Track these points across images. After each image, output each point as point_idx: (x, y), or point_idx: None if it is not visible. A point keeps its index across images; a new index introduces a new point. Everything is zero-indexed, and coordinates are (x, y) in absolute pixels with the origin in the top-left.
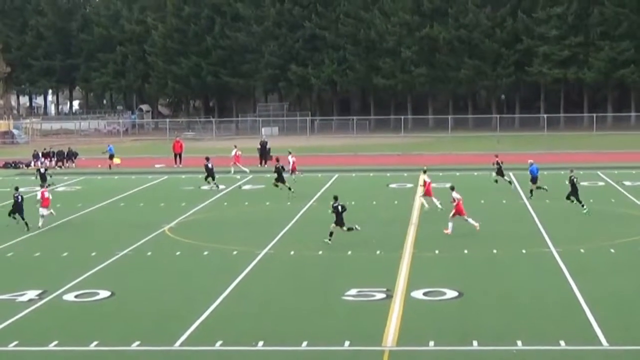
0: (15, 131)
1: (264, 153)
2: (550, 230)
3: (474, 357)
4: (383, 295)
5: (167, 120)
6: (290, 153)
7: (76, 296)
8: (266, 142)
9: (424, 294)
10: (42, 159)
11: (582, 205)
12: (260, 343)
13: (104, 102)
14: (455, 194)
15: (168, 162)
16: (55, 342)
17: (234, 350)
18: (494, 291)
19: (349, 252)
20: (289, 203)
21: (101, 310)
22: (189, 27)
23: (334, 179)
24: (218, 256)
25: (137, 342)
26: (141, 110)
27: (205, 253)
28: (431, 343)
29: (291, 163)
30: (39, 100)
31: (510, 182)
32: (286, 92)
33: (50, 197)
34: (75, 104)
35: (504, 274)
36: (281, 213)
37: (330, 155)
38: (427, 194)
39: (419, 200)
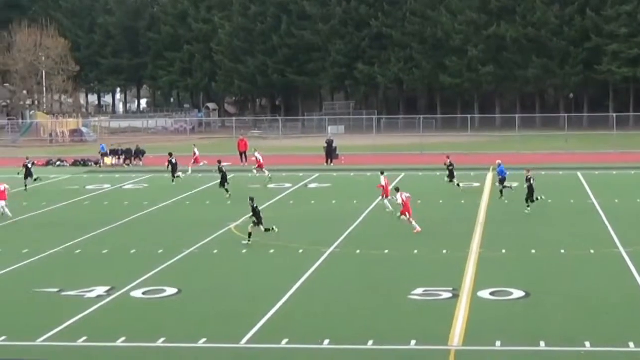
0: (84, 129)
1: (330, 152)
2: (619, 230)
3: (541, 358)
4: (449, 295)
5: (234, 118)
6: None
7: (144, 293)
8: (332, 141)
9: (491, 293)
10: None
11: (527, 206)
12: (326, 341)
13: (171, 100)
14: (398, 196)
15: (234, 161)
16: (123, 338)
17: (300, 349)
18: (561, 291)
19: (415, 251)
20: (355, 201)
21: (168, 307)
22: (256, 25)
23: (400, 177)
24: (284, 254)
25: (204, 340)
26: (208, 108)
27: (271, 251)
28: (498, 343)
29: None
30: (107, 98)
31: (459, 185)
32: (352, 90)
33: (8, 189)
34: (143, 102)
35: (572, 274)
36: (347, 212)
37: (396, 154)
38: (386, 194)
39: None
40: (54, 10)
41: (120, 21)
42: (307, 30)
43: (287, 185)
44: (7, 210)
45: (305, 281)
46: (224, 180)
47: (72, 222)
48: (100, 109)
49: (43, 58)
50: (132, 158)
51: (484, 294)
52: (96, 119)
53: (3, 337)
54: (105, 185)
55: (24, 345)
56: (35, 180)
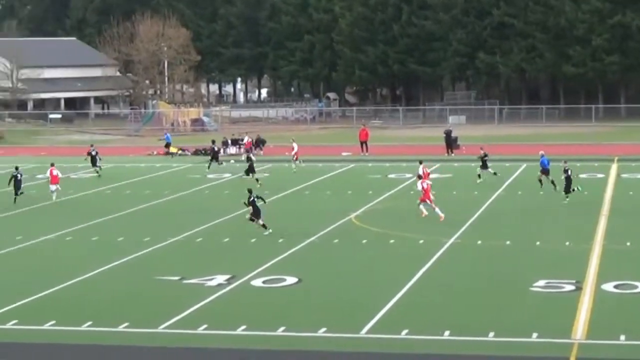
0: (205, 119)
1: (449, 142)
2: None
3: None
4: (572, 287)
5: (354, 108)
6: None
7: (264, 282)
8: (450, 131)
9: (615, 286)
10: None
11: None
12: (446, 332)
13: (292, 90)
14: (419, 183)
15: (355, 150)
16: (243, 327)
17: (420, 339)
18: None
19: (537, 243)
20: (476, 192)
21: (288, 296)
22: (376, 15)
23: (522, 168)
24: (404, 245)
25: (324, 329)
26: (328, 98)
27: (392, 241)
28: (622, 337)
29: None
30: (228, 88)
31: (495, 174)
32: (474, 80)
33: (60, 175)
34: (264, 92)
35: None
36: (468, 202)
37: (518, 144)
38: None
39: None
40: (176, 1)
41: (241, 11)
42: (428, 19)
43: (408, 175)
44: (54, 195)
45: (426, 271)
46: (250, 170)
47: (193, 210)
48: (221, 98)
49: (165, 48)
50: (253, 147)
51: (608, 286)
52: (217, 108)
53: (125, 324)
54: (226, 175)
55: (145, 332)
56: (99, 168)
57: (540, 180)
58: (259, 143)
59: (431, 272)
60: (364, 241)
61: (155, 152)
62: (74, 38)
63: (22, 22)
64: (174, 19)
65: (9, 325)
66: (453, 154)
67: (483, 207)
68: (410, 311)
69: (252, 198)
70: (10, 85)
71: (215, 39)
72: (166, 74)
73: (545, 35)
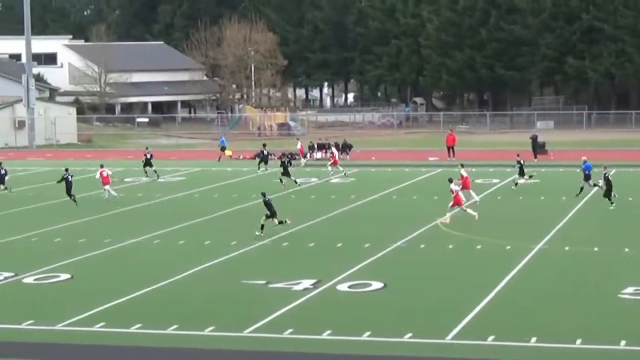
0: (291, 123)
1: (535, 147)
2: None
3: None
4: None
5: (441, 113)
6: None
7: (349, 286)
8: (536, 136)
9: None
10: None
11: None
12: (533, 339)
13: (379, 94)
14: (453, 186)
15: (441, 155)
16: (329, 331)
17: (506, 345)
18: None
19: (626, 250)
20: (564, 198)
21: (374, 301)
22: (464, 20)
23: (611, 173)
24: (491, 250)
25: (409, 334)
26: (415, 103)
27: (478, 247)
28: None
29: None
30: (315, 92)
31: (531, 176)
32: (562, 85)
33: (110, 174)
34: (350, 96)
35: None
36: (556, 208)
37: (606, 150)
38: (464, 187)
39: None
40: (263, 5)
41: (328, 15)
42: (516, 23)
43: (495, 180)
44: (111, 192)
45: (513, 277)
46: (285, 171)
47: (279, 214)
48: (307, 102)
49: (252, 52)
50: (339, 152)
51: None
52: (303, 112)
53: (211, 328)
54: (313, 179)
55: (231, 335)
56: (154, 171)
57: (582, 188)
58: (345, 148)
59: (518, 277)
60: (450, 246)
61: (241, 157)
62: (161, 42)
63: (111, 27)
64: (261, 23)
65: (96, 328)
66: (538, 160)
67: (571, 213)
68: (496, 317)
69: (266, 199)
70: (99, 89)
71: (302, 44)
72: (253, 78)
73: (635, 39)
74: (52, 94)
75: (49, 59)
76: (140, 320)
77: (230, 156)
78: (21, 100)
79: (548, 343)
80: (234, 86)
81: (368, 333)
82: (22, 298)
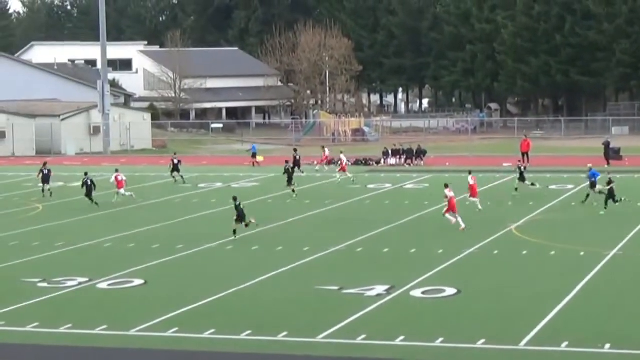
0: (366, 129)
1: (607, 153)
2: None
3: None
4: None
5: (516, 119)
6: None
7: (423, 292)
8: (609, 142)
9: None
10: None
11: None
12: (607, 345)
13: (453, 100)
14: (447, 192)
15: (515, 162)
16: (402, 337)
17: (579, 352)
18: None
19: None
20: (639, 204)
21: (447, 307)
22: (539, 25)
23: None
24: (565, 256)
25: (483, 341)
26: (490, 108)
27: (552, 253)
28: None
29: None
30: (389, 98)
31: (533, 184)
32: (638, 91)
33: (125, 179)
34: (425, 102)
35: None
36: (630, 214)
37: None
38: (472, 195)
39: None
40: (338, 11)
41: (403, 21)
42: (591, 29)
43: (569, 186)
44: (126, 193)
45: (587, 284)
46: (289, 180)
47: (353, 220)
48: (382, 108)
49: (327, 58)
50: (413, 158)
51: None
52: (378, 118)
53: (284, 333)
54: (386, 185)
55: (304, 341)
56: (180, 177)
57: (588, 195)
58: (420, 154)
59: (592, 284)
60: (524, 252)
61: (315, 162)
62: (236, 48)
63: (186, 33)
64: (335, 29)
65: (169, 333)
66: (609, 165)
67: None
68: (570, 323)
69: (237, 203)
70: (173, 95)
71: (376, 49)
72: (327, 84)
73: None
74: (127, 99)
75: (124, 64)
76: (213, 325)
77: (255, 164)
78: (96, 106)
79: (622, 349)
80: (308, 92)
81: (441, 339)
82: (96, 303)
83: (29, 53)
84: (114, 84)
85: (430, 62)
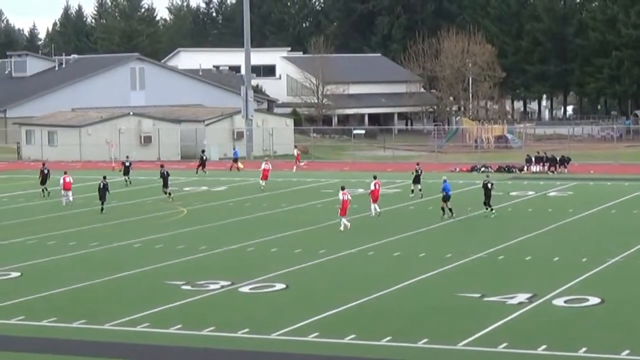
0: (509, 135)
1: None
2: None
3: None
4: None
5: None
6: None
7: (565, 301)
8: None
9: None
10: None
11: (491, 210)
12: None
13: (599, 107)
14: (341, 195)
15: None
16: (544, 346)
17: None
18: None
19: None
20: None
21: (591, 317)
22: None
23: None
24: None
25: (627, 351)
26: (636, 116)
27: None
28: None
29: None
30: (533, 105)
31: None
32: None
33: (71, 181)
34: (569, 108)
35: None
36: None
37: None
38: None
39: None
40: (482, 17)
41: (548, 27)
42: None
43: None
44: (70, 198)
45: None
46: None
47: (491, 228)
48: (525, 115)
49: (470, 64)
50: (557, 165)
51: None
52: (521, 125)
53: (425, 340)
54: (530, 192)
55: (444, 348)
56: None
57: (442, 209)
58: (563, 161)
59: None
60: None
61: (457, 169)
62: (379, 54)
63: (329, 39)
64: (479, 35)
65: (310, 338)
66: None
67: None
68: None
69: (162, 171)
70: (316, 100)
71: (520, 56)
72: (470, 90)
73: None
74: (270, 105)
75: (268, 70)
76: (354, 331)
77: (239, 168)
78: (240, 112)
79: None
80: (451, 98)
81: (584, 349)
82: (238, 307)
83: (175, 59)
84: (257, 90)
85: (575, 69)
